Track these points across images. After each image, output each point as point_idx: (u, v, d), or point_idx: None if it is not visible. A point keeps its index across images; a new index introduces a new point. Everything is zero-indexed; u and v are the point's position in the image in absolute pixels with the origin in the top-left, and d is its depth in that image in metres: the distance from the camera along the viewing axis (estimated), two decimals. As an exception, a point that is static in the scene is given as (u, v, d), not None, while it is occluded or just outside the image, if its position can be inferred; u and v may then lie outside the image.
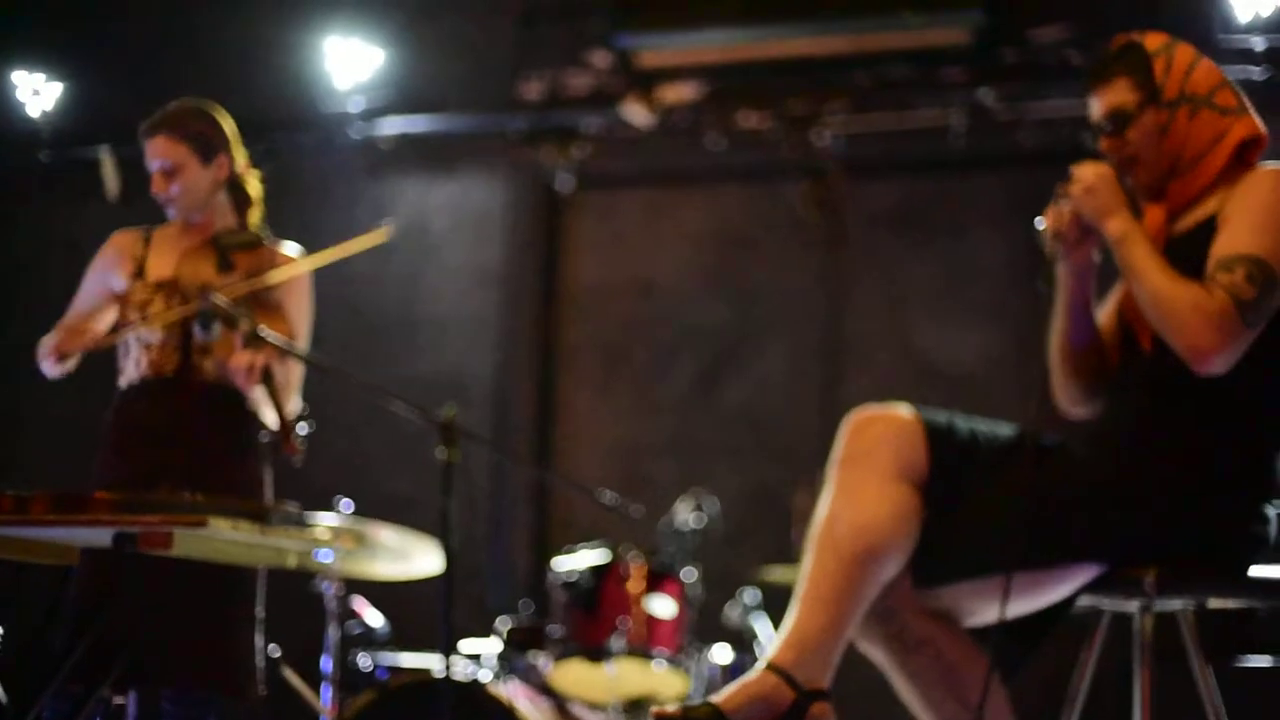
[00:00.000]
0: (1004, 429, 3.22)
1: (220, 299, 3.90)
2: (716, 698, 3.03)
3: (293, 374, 4.25)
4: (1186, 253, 3.11)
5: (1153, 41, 3.27)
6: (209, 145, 4.29)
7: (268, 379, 3.88)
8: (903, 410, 3.21)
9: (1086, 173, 3.22)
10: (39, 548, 3.61)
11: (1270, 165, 3.17)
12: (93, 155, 7.83)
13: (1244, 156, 3.23)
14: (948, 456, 3.14)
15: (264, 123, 7.23)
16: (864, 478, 3.12)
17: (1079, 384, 3.40)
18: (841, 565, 3.06)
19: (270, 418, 4.14)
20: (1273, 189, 3.10)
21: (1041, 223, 3.25)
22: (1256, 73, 6.42)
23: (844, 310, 7.56)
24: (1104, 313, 3.43)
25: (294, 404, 4.25)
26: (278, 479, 4.35)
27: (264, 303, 4.18)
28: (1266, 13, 6.46)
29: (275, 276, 4.24)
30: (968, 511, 3.09)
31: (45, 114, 8.00)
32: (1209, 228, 3.14)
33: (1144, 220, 3.26)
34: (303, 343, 4.32)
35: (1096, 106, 3.30)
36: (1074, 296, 3.33)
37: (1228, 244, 3.07)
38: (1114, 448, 3.17)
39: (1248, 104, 3.25)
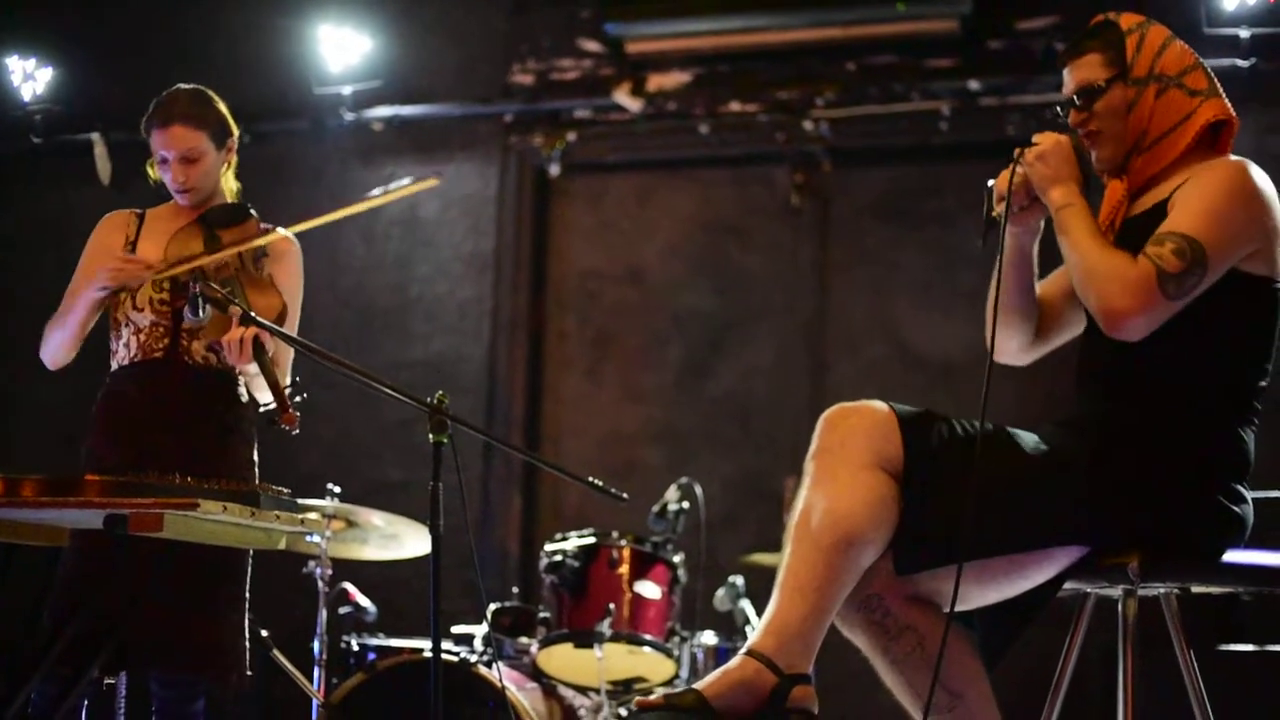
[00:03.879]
0: (979, 420, 3.24)
1: (212, 285, 3.91)
2: (700, 685, 3.06)
3: (283, 347, 4.25)
4: (1141, 232, 3.16)
5: (1128, 20, 3.32)
6: (223, 131, 4.32)
7: (259, 352, 3.89)
8: (877, 404, 3.24)
9: (1044, 140, 3.28)
10: (29, 530, 3.62)
11: (1234, 158, 3.21)
12: (85, 140, 7.83)
13: (1216, 140, 3.27)
14: (923, 446, 3.17)
15: (256, 109, 7.25)
16: (839, 468, 3.15)
17: (1010, 335, 3.50)
18: (820, 553, 3.08)
19: (263, 394, 4.16)
20: (1226, 178, 3.14)
21: (992, 183, 3.31)
22: (1242, 63, 6.44)
23: (831, 298, 7.58)
24: (1047, 283, 3.51)
25: (286, 378, 4.25)
26: (270, 462, 4.37)
27: (254, 276, 4.19)
28: (1252, 2, 6.48)
29: (268, 236, 4.25)
30: (944, 498, 3.10)
31: (37, 99, 7.98)
32: (1160, 210, 3.19)
33: (1105, 195, 3.31)
34: (295, 316, 4.33)
35: (1068, 81, 3.37)
36: (1014, 257, 3.39)
37: (1168, 223, 3.12)
38: (1091, 433, 3.20)
39: (1218, 86, 3.28)
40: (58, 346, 4.26)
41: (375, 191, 4.02)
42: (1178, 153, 3.24)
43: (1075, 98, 3.32)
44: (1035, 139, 3.30)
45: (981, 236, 3.34)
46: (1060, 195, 3.23)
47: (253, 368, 4.01)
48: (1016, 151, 3.30)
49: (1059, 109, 3.39)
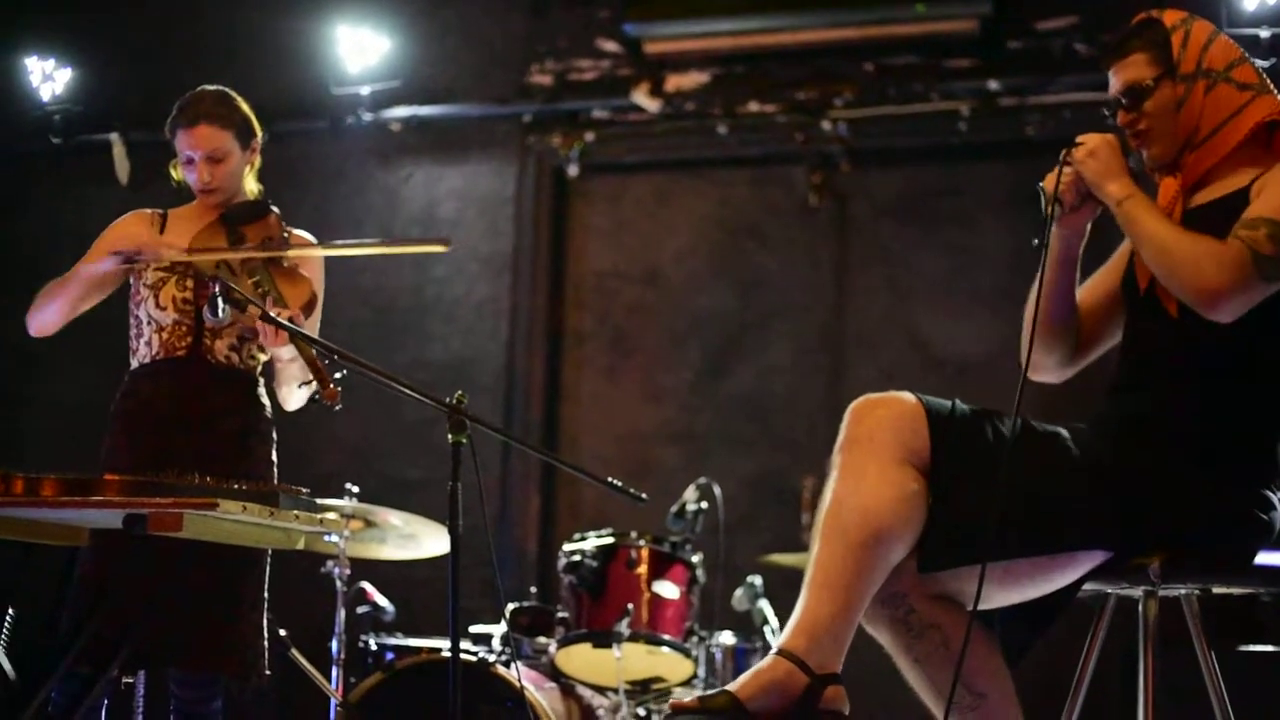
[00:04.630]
0: (1006, 417, 3.22)
1: (234, 285, 3.92)
2: (732, 686, 3.04)
3: (313, 327, 4.27)
4: (1206, 224, 3.12)
5: (1171, 17, 3.29)
6: (248, 131, 4.34)
7: (292, 334, 3.91)
8: (905, 395, 3.22)
9: (1092, 138, 3.26)
10: (48, 529, 3.62)
11: None
12: (103, 140, 7.84)
13: (1271, 139, 3.23)
14: (950, 441, 3.15)
15: (274, 109, 7.25)
16: (867, 461, 3.13)
17: (1052, 348, 3.44)
18: (849, 550, 3.06)
19: (291, 386, 4.18)
20: None
21: (1043, 185, 3.28)
22: (1263, 63, 6.41)
23: (850, 298, 7.57)
24: (1083, 292, 3.47)
25: None
26: (288, 461, 4.37)
27: (281, 266, 4.21)
28: (1272, 2, 6.46)
29: (293, 252, 4.26)
30: (970, 497, 3.08)
31: (56, 99, 7.99)
32: (1233, 201, 3.15)
33: (1158, 193, 3.29)
34: (319, 301, 4.34)
35: (1114, 81, 3.33)
36: (1060, 258, 3.36)
37: (1257, 209, 3.09)
38: (1125, 436, 3.18)
39: (1268, 82, 3.25)
40: (51, 315, 4.26)
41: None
42: (1230, 147, 3.21)
43: (1122, 98, 3.30)
44: (1079, 139, 3.27)
45: (1039, 237, 3.29)
46: (1118, 188, 3.20)
47: (287, 351, 4.04)
48: (1064, 152, 3.27)
49: (1105, 110, 3.37)
